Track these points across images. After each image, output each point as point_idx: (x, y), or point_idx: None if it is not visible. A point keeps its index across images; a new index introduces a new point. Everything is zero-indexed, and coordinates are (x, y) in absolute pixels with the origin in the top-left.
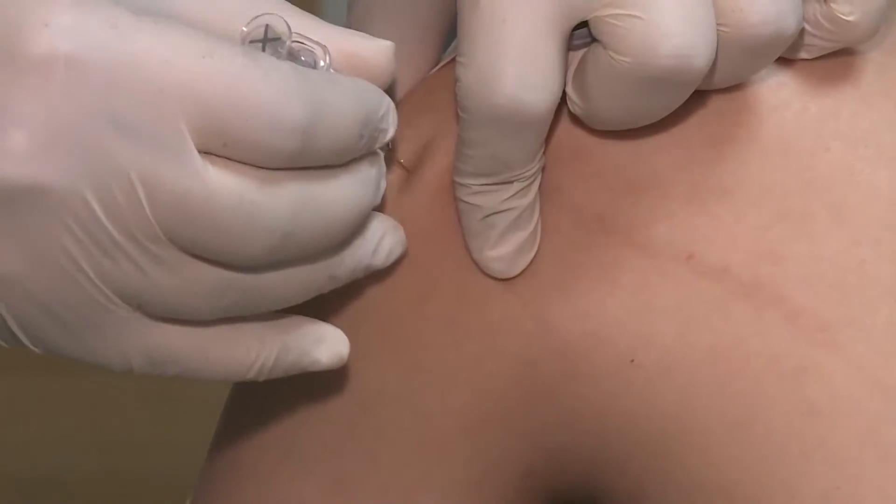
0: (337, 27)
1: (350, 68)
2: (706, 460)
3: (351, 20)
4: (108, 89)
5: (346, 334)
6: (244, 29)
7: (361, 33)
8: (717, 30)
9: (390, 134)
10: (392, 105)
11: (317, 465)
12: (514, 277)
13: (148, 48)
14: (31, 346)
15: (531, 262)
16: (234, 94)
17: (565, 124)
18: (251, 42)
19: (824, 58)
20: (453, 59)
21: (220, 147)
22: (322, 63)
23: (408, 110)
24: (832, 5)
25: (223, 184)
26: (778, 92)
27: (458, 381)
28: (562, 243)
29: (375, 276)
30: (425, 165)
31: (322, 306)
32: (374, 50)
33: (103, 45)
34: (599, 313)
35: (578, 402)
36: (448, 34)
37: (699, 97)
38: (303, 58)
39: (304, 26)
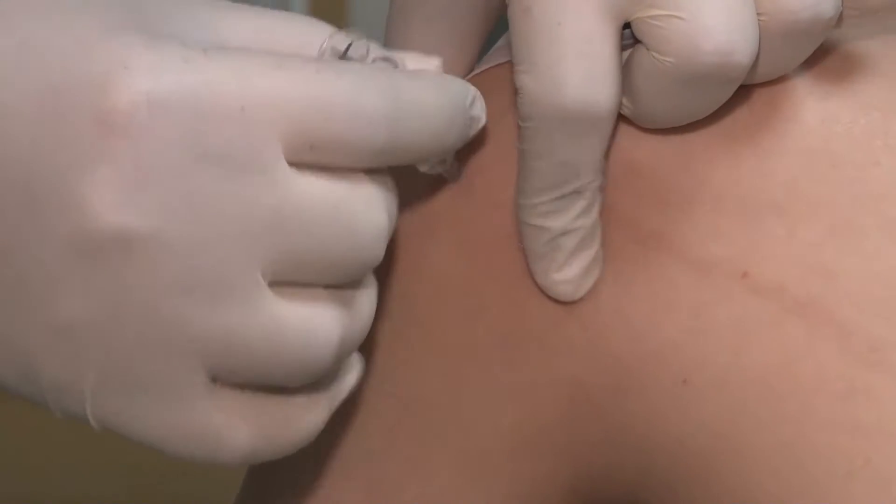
0: (384, 48)
1: None
2: (753, 479)
3: (388, 26)
4: (192, 122)
5: (392, 335)
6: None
7: (411, 52)
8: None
9: (483, 121)
10: (479, 93)
11: (354, 470)
12: (576, 304)
13: (222, 72)
14: (93, 418)
15: (597, 288)
16: (311, 95)
17: (616, 140)
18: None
19: (873, 71)
20: (487, 69)
21: (308, 152)
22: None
23: None
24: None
25: (315, 192)
26: (827, 104)
27: (507, 400)
28: (620, 263)
29: (425, 282)
30: (475, 176)
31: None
32: (424, 66)
33: (180, 80)
34: (655, 335)
35: (628, 420)
36: (485, 42)
37: (749, 111)
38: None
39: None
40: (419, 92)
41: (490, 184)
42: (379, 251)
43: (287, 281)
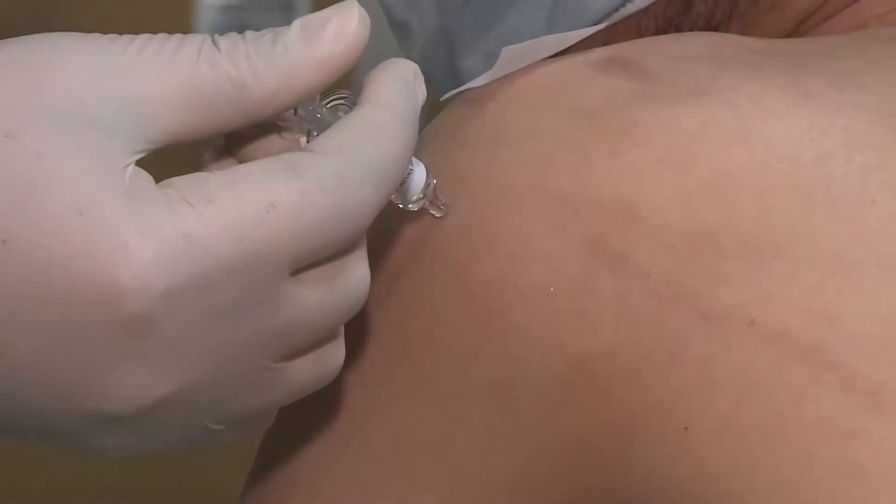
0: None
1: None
2: None
3: None
4: (204, 294)
5: (385, 368)
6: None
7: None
8: None
9: (424, 95)
10: (418, 69)
11: (343, 501)
12: (586, 357)
13: (221, 238)
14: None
15: (609, 342)
16: (304, 224)
17: (610, 182)
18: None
19: (866, 106)
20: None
21: (306, 261)
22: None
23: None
24: None
25: (315, 289)
26: (821, 143)
27: (504, 446)
28: (635, 318)
29: (419, 319)
30: (469, 216)
31: (364, 341)
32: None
33: (188, 266)
34: (662, 388)
35: (628, 467)
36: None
37: (746, 150)
38: (340, 114)
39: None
40: (385, 144)
41: (485, 225)
42: (365, 294)
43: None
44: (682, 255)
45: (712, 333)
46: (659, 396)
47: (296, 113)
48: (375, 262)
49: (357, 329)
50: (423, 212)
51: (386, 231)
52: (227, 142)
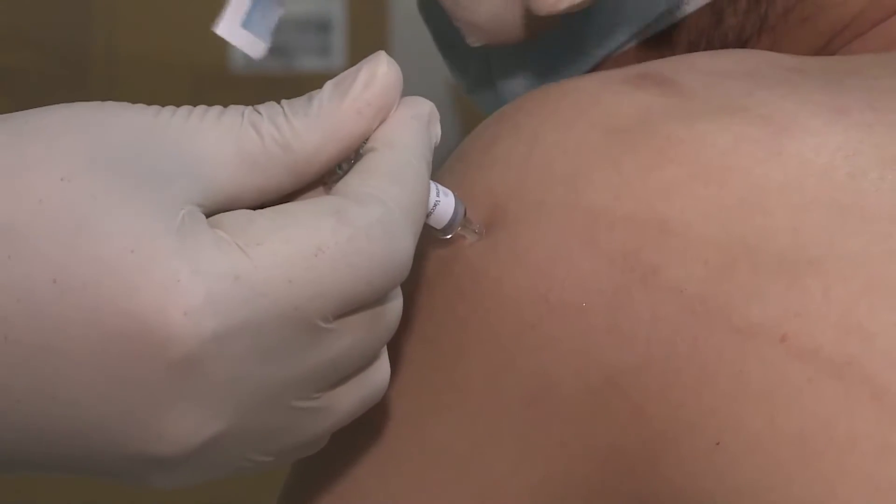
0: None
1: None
2: None
3: None
4: (254, 335)
5: (418, 382)
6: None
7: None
8: None
9: (438, 136)
10: (435, 109)
11: None
12: (620, 372)
13: (271, 281)
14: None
15: (642, 357)
16: (353, 273)
17: (643, 196)
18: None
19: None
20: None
21: (349, 307)
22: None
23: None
24: None
25: (356, 330)
26: (855, 159)
27: (536, 459)
28: (669, 333)
29: (451, 333)
30: (500, 234)
31: (396, 355)
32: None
33: (237, 308)
34: (695, 403)
35: (660, 483)
36: None
37: (780, 167)
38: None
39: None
40: (415, 189)
41: (517, 240)
42: (398, 322)
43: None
44: (715, 271)
45: (745, 349)
46: (691, 411)
47: (340, 168)
48: (407, 277)
49: (389, 344)
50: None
51: (417, 246)
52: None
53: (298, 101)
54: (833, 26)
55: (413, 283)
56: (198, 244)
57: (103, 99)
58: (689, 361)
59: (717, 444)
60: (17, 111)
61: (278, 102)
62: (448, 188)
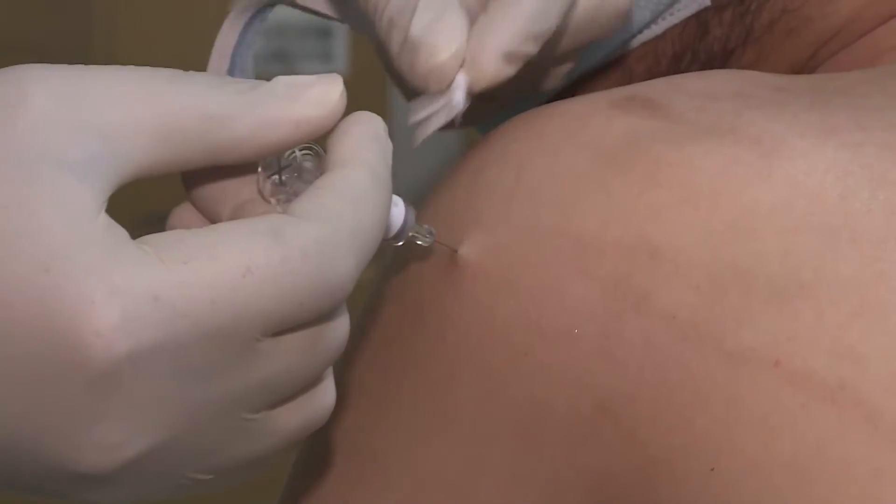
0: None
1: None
2: None
3: None
4: (174, 356)
5: (409, 408)
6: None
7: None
8: None
9: (391, 147)
10: (384, 126)
11: None
12: (612, 398)
13: (194, 300)
14: None
15: (634, 383)
16: (281, 294)
17: (633, 221)
18: (269, 178)
19: (889, 143)
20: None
21: (280, 327)
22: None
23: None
24: None
25: (294, 358)
26: (845, 180)
27: (528, 487)
28: (661, 359)
29: (441, 361)
30: (487, 258)
31: (387, 380)
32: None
33: (155, 330)
34: (688, 429)
35: None
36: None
37: (769, 189)
38: (307, 164)
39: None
40: (367, 209)
41: (507, 267)
42: (344, 345)
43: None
44: (706, 296)
45: (738, 374)
46: (684, 436)
47: (281, 180)
48: (397, 303)
49: (381, 368)
50: (440, 252)
51: (407, 272)
52: (186, 179)
53: (245, 85)
54: (819, 37)
55: (403, 310)
56: (117, 260)
57: None
58: (682, 387)
59: (712, 469)
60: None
61: (224, 77)
62: (404, 201)
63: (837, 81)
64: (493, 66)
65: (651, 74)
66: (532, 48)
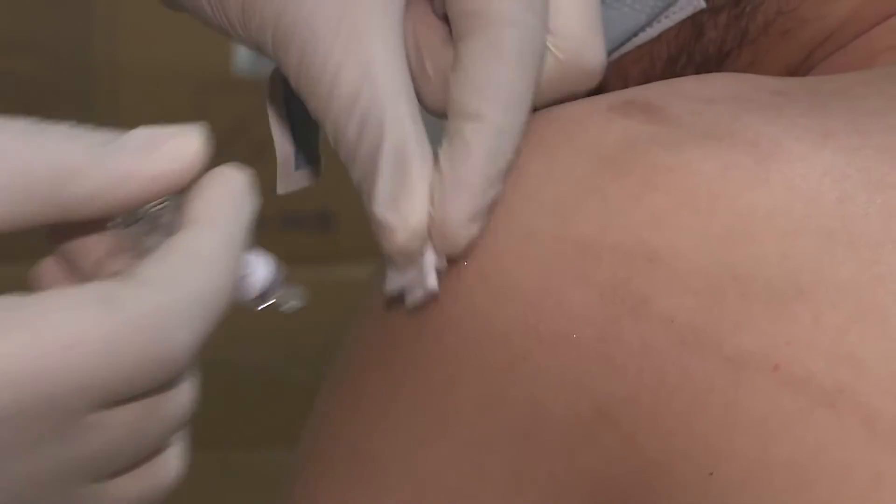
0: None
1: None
2: None
3: None
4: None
5: (408, 414)
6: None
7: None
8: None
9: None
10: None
11: None
12: (610, 402)
13: (13, 374)
14: None
15: (633, 387)
16: (109, 371)
17: (630, 225)
18: (121, 228)
19: (887, 146)
20: None
21: (109, 399)
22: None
23: None
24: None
25: (130, 429)
26: (842, 184)
27: (527, 491)
28: (659, 363)
29: (439, 367)
30: (486, 262)
31: (387, 387)
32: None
33: None
34: (687, 432)
35: None
36: None
37: (767, 192)
38: (163, 220)
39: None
40: (213, 275)
41: (505, 273)
42: (188, 414)
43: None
44: (705, 300)
45: (737, 378)
46: (683, 440)
47: (129, 224)
48: (396, 307)
49: (380, 375)
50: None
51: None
52: (51, 233)
53: (97, 135)
54: (814, 39)
55: (403, 313)
56: None
57: (108, 103)
58: (681, 391)
59: (711, 474)
60: (21, 117)
61: (76, 126)
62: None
63: (834, 83)
64: (462, 232)
65: (646, 77)
66: (496, 190)
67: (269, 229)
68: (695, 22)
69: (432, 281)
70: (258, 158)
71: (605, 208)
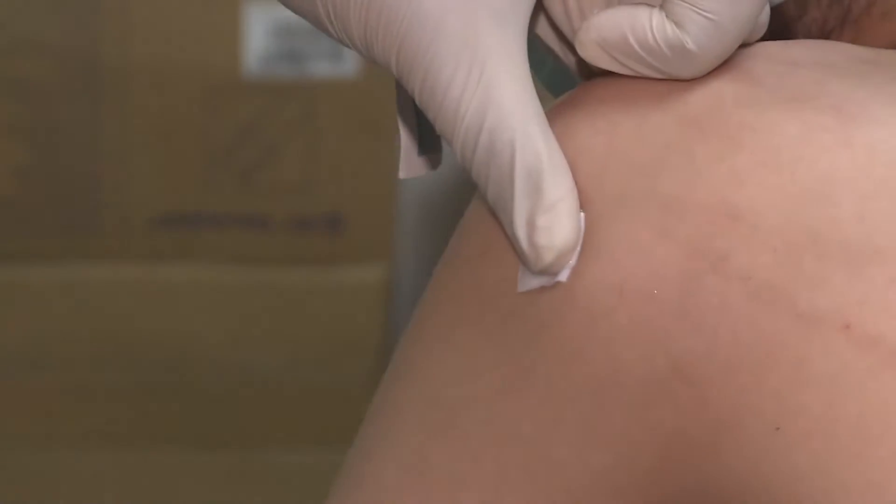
0: None
1: None
2: None
3: None
4: None
5: (488, 366)
6: None
7: None
8: None
9: None
10: None
11: (436, 488)
12: (686, 358)
13: None
14: None
15: (709, 343)
16: None
17: (712, 183)
18: None
19: None
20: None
21: None
22: None
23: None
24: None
25: None
26: None
27: (600, 444)
28: (735, 319)
29: (524, 325)
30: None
31: (469, 335)
32: None
33: None
34: (758, 389)
35: (721, 470)
36: None
37: (849, 156)
38: None
39: None
40: None
41: (593, 233)
42: None
43: None
44: (782, 258)
45: (808, 336)
46: (753, 397)
47: None
48: (490, 260)
49: (470, 329)
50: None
51: (479, 239)
52: None
53: None
54: None
55: (495, 268)
56: None
57: (117, 104)
58: (754, 347)
59: (778, 428)
60: (32, 119)
61: None
62: None
63: None
64: None
65: None
66: None
67: (279, 230)
68: (798, 1)
69: (566, 275)
70: (267, 160)
71: (691, 168)
